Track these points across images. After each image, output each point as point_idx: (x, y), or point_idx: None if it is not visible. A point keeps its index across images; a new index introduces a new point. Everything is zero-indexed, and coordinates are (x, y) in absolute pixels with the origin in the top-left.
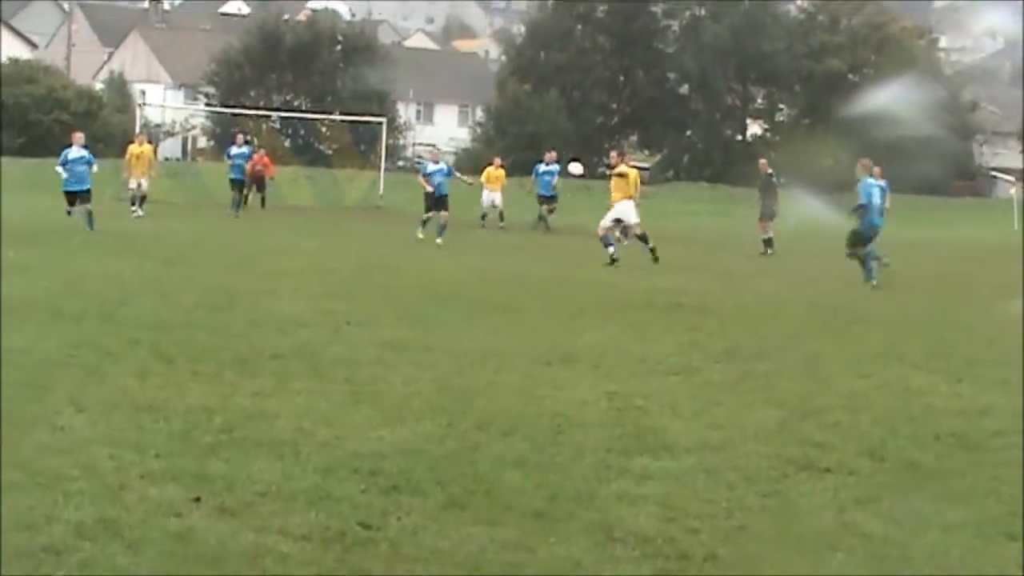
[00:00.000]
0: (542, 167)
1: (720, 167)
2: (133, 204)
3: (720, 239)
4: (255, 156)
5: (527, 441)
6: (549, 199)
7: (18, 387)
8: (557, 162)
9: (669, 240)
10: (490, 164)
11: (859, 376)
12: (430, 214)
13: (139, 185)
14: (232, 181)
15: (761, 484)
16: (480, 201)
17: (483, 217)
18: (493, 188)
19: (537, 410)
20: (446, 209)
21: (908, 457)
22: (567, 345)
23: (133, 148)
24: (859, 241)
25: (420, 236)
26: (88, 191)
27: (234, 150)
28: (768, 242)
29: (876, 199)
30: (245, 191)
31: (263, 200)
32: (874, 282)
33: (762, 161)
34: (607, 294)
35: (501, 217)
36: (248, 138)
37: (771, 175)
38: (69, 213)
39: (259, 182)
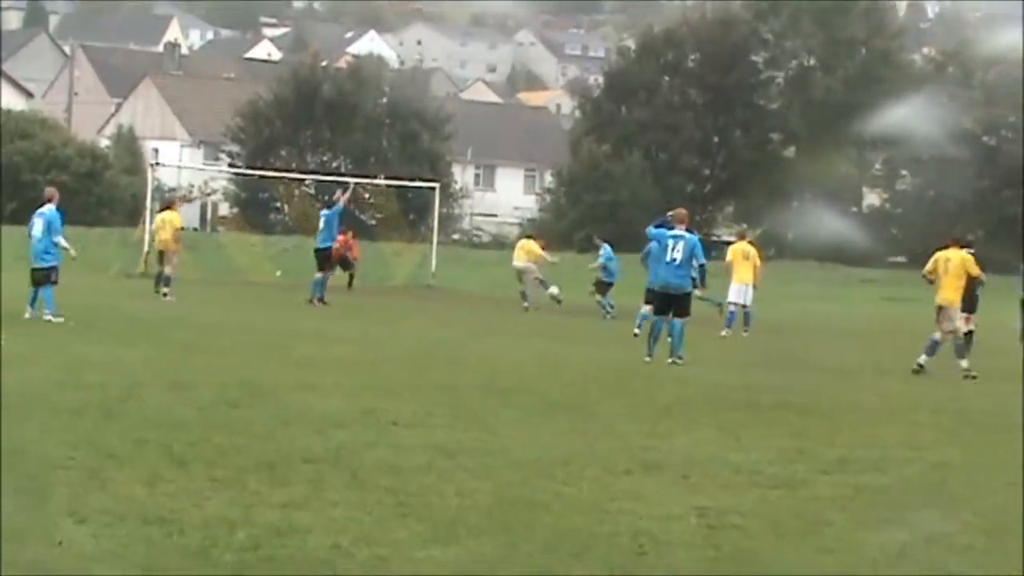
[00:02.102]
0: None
1: (832, 243)
2: (167, 285)
3: (831, 328)
4: (339, 237)
5: (603, 564)
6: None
7: (8, 494)
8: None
9: (772, 328)
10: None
11: (996, 491)
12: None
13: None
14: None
15: None
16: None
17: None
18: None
19: (615, 528)
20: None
21: None
22: (650, 451)
23: (175, 218)
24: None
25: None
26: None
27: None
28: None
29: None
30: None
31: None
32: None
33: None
34: (697, 391)
35: (523, 296)
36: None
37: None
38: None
39: (343, 263)
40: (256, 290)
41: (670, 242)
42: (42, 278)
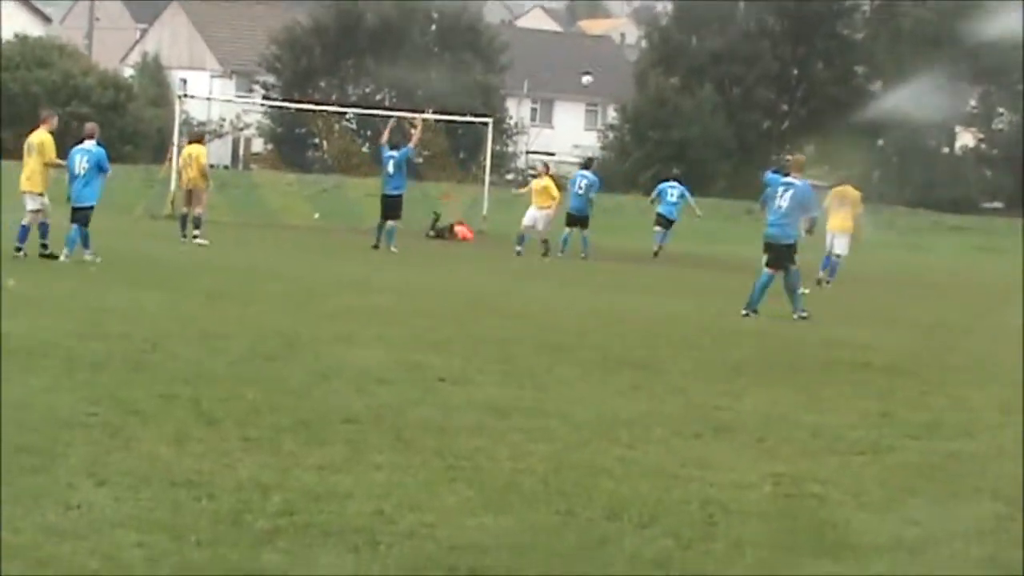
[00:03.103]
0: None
1: (921, 187)
2: (197, 227)
3: (918, 279)
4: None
5: (670, 536)
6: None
7: (21, 452)
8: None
9: (854, 280)
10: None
11: None
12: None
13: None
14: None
15: None
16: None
17: (520, 241)
18: (541, 205)
19: (683, 495)
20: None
21: None
22: (721, 412)
23: (201, 153)
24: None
25: None
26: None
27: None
28: None
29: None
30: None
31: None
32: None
33: None
34: (774, 347)
35: (545, 249)
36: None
37: None
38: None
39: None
40: (292, 234)
41: (780, 189)
42: (84, 218)
